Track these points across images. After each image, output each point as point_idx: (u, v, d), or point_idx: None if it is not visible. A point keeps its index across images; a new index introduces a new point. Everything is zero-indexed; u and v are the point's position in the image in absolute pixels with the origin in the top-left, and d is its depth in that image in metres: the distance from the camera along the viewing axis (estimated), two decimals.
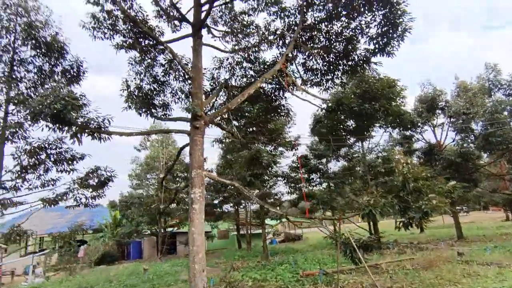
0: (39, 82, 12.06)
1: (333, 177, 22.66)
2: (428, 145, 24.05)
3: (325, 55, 13.21)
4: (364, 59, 12.42)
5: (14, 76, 11.64)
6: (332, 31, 12.72)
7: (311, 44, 13.10)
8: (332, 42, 12.83)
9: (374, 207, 8.32)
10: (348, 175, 21.78)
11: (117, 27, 12.26)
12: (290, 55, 13.42)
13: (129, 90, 12.60)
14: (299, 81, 12.13)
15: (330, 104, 10.81)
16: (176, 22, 10.85)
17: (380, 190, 10.22)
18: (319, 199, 20.92)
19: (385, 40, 11.38)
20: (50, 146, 12.85)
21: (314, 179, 22.54)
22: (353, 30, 12.19)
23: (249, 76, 14.71)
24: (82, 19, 11.68)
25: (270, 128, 16.37)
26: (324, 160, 26.55)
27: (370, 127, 12.81)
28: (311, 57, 13.30)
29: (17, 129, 11.99)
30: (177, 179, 27.02)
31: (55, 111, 6.96)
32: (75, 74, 12.00)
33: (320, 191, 24.76)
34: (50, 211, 37.61)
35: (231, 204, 28.85)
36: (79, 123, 7.74)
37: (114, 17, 11.82)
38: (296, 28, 11.33)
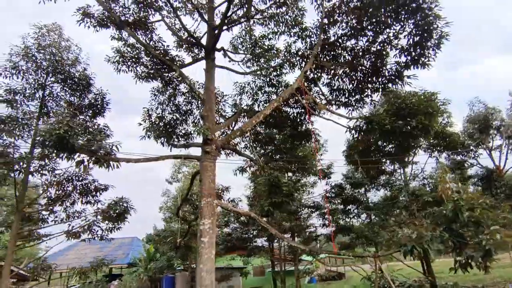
0: (68, 115, 12.46)
1: (373, 208, 20.44)
2: (485, 170, 21.06)
3: (351, 73, 12.28)
4: (396, 73, 11.25)
5: (44, 111, 12.16)
6: (357, 48, 11.88)
7: (335, 63, 12.29)
8: (359, 59, 11.93)
9: (418, 243, 6.77)
10: (390, 205, 19.51)
11: (141, 59, 12.61)
12: (313, 75, 12.72)
13: (150, 120, 12.61)
14: (324, 102, 11.20)
15: (358, 123, 9.64)
16: (191, 48, 10.73)
17: (427, 222, 8.55)
18: (358, 232, 18.79)
19: (419, 50, 10.22)
20: (76, 177, 13.00)
21: (351, 210, 20.51)
22: (381, 44, 11.23)
23: (272, 100, 14.14)
24: (107, 53, 12.10)
25: (298, 155, 15.35)
26: (362, 190, 24.43)
27: (408, 149, 11.25)
28: (336, 76, 12.43)
29: (46, 161, 12.32)
30: (197, 209, 26.44)
31: (58, 137, 6.75)
32: (99, 105, 12.28)
33: (360, 224, 22.48)
34: (92, 244, 38.64)
35: (265, 238, 27.31)
36: (86, 150, 7.47)
37: (136, 50, 12.18)
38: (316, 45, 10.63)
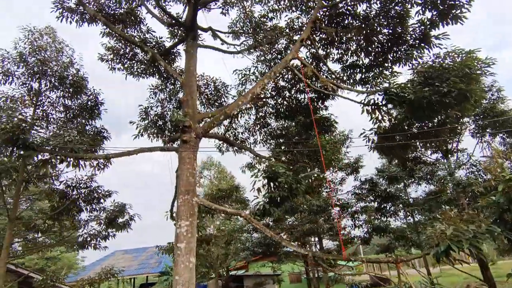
0: (66, 119, 12.07)
1: (414, 204, 17.86)
2: None
3: (366, 46, 10.42)
4: (421, 36, 9.21)
5: (43, 118, 11.84)
6: (372, 13, 10.02)
7: (344, 30, 10.49)
8: (374, 27, 10.06)
9: (457, 241, 4.91)
10: (434, 200, 16.78)
11: (137, 55, 11.88)
12: (322, 51, 11.05)
13: (148, 118, 11.79)
14: (335, 81, 9.45)
15: (372, 97, 7.82)
16: (175, 30, 9.65)
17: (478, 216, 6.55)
18: (396, 233, 16.40)
19: (449, 1, 8.17)
20: (81, 185, 12.50)
21: (387, 208, 18.04)
22: (400, 4, 9.29)
23: (280, 87, 12.66)
24: (99, 52, 11.51)
25: (313, 146, 13.60)
26: (401, 185, 21.71)
27: (445, 125, 8.98)
28: (349, 51, 10.65)
29: (50, 170, 11.94)
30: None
31: (9, 134, 5.92)
32: (93, 105, 11.70)
33: (402, 224, 19.86)
34: (127, 253, 39.48)
35: (298, 243, 25.46)
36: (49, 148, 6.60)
37: (130, 45, 11.45)
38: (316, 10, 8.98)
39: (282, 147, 13.55)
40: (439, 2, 8.37)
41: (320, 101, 12.25)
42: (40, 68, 11.52)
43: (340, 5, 10.21)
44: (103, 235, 11.68)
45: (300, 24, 10.98)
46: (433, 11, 8.55)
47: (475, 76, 7.34)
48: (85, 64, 11.95)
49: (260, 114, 13.37)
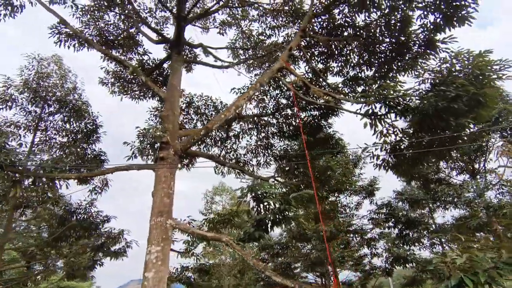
0: (68, 143, 12.07)
1: (439, 231, 16.07)
2: None
3: (369, 56, 9.80)
4: (426, 41, 8.48)
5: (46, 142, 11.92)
6: (372, 23, 9.48)
7: (348, 47, 9.97)
8: (376, 37, 9.48)
9: (472, 273, 3.92)
10: (463, 226, 14.96)
11: (137, 79, 11.91)
12: (321, 65, 10.53)
13: (146, 140, 11.54)
14: (330, 93, 8.77)
15: (370, 108, 7.06)
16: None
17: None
18: (422, 263, 14.62)
19: (452, 2, 7.49)
20: (79, 210, 12.23)
21: (410, 236, 16.28)
22: (401, 10, 8.71)
23: (282, 106, 12.12)
24: (99, 75, 11.66)
25: (319, 167, 12.72)
26: (426, 210, 19.88)
27: (456, 131, 7.83)
28: (348, 63, 10.06)
29: (47, 193, 11.81)
30: None
31: None
32: (92, 128, 11.66)
33: (431, 252, 17.85)
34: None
35: (317, 274, 23.55)
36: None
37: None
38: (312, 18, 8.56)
39: (287, 169, 12.79)
40: (442, 4, 7.71)
41: (323, 118, 11.57)
42: (44, 94, 11.76)
43: (338, 16, 9.79)
44: (87, 264, 11.10)
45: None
46: (436, 14, 7.88)
47: (488, 79, 6.45)
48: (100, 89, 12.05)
49: (263, 134, 12.82)
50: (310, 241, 15.18)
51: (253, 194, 6.57)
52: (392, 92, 6.76)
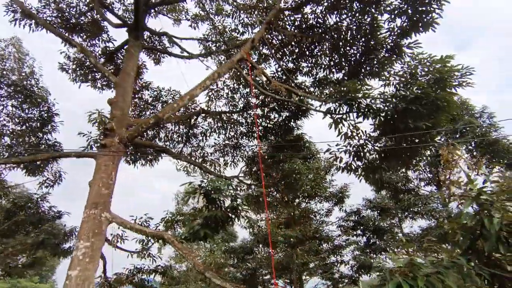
0: (21, 131, 11.21)
1: (406, 241, 16.13)
2: None
3: (339, 59, 9.71)
4: (393, 46, 8.45)
5: None
6: (343, 26, 9.41)
7: (319, 47, 9.85)
8: (347, 40, 9.41)
9: (411, 277, 3.70)
10: (427, 236, 15.04)
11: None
12: (291, 65, 10.36)
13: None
14: (292, 89, 8.54)
15: (330, 104, 6.86)
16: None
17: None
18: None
19: (418, 5, 7.48)
20: (29, 204, 11.36)
21: (377, 244, 16.23)
22: (371, 14, 8.67)
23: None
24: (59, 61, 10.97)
25: (286, 170, 12.45)
26: (396, 219, 20.01)
27: (418, 137, 7.76)
28: (318, 64, 9.93)
29: None
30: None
31: None
32: (48, 116, 10.90)
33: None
34: None
35: (287, 280, 23.09)
36: None
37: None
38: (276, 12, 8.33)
39: (254, 170, 12.45)
40: (409, 8, 7.71)
41: (293, 119, 11.37)
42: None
43: (311, 16, 9.67)
44: (26, 262, 10.27)
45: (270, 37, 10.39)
46: (402, 17, 7.86)
47: (448, 84, 6.40)
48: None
49: (232, 133, 12.46)
50: (277, 246, 14.83)
51: (203, 190, 6.17)
52: (352, 91, 6.56)
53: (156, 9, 10.93)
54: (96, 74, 11.35)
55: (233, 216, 6.27)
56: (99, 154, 5.68)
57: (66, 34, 9.74)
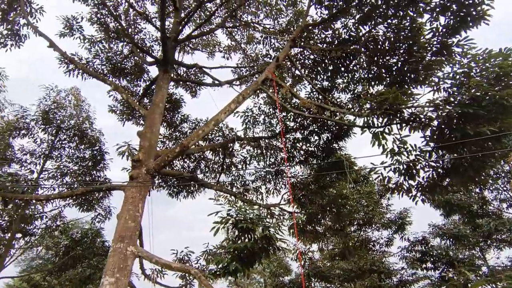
0: (79, 171, 12.20)
1: (490, 275, 13.34)
2: None
3: (379, 71, 8.93)
4: (439, 48, 7.48)
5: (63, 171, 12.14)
6: (378, 35, 8.73)
7: (355, 61, 9.21)
8: (386, 48, 8.67)
9: None
10: None
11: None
12: (326, 83, 9.82)
13: None
14: (323, 105, 7.88)
15: (367, 115, 6.10)
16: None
17: None
18: None
19: (464, 0, 6.59)
20: (85, 239, 12.00)
21: (457, 280, 13.52)
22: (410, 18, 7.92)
23: (290, 128, 11.35)
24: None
25: (332, 195, 11.43)
26: (476, 249, 16.99)
27: (482, 147, 6.27)
28: (354, 79, 9.24)
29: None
30: None
31: None
32: (100, 156, 11.74)
33: None
34: None
35: None
36: None
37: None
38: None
39: (299, 197, 11.68)
40: (453, 4, 6.81)
41: (335, 140, 10.58)
42: (58, 123, 12.20)
43: (342, 31, 9.19)
44: None
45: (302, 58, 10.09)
46: (446, 14, 6.96)
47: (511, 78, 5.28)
48: None
49: (271, 160, 12.02)
50: (330, 280, 13.38)
51: (231, 220, 5.75)
52: (390, 100, 5.76)
53: (191, 45, 11.48)
54: (137, 112, 12.08)
55: (268, 247, 5.67)
56: (125, 185, 5.68)
57: (111, 79, 10.62)
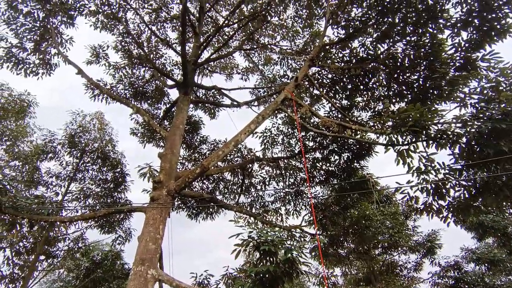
0: (101, 193, 12.42)
1: None
2: None
3: (400, 88, 8.78)
4: (463, 63, 7.29)
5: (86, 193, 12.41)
6: (397, 52, 8.65)
7: (374, 79, 9.12)
8: (406, 65, 8.56)
9: None
10: None
11: None
12: (345, 101, 9.72)
13: None
14: (344, 124, 7.74)
15: (392, 134, 5.90)
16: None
17: None
18: None
19: (487, 15, 6.47)
20: (105, 262, 12.01)
21: None
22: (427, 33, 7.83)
23: (311, 148, 11.21)
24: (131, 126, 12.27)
25: (354, 216, 11.00)
26: None
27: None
28: (374, 96, 9.10)
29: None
30: None
31: None
32: (120, 177, 11.93)
33: None
34: None
35: None
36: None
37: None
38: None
39: (321, 218, 11.32)
40: (475, 19, 6.69)
41: (356, 160, 10.31)
42: (83, 146, 12.61)
43: (360, 49, 9.18)
44: None
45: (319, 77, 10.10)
46: (469, 29, 6.83)
47: None
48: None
49: (291, 180, 11.83)
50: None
51: (252, 242, 5.58)
52: (414, 117, 5.58)
53: (210, 68, 11.77)
54: (157, 134, 12.33)
55: (291, 271, 5.44)
56: (146, 207, 5.68)
57: (134, 102, 10.98)
